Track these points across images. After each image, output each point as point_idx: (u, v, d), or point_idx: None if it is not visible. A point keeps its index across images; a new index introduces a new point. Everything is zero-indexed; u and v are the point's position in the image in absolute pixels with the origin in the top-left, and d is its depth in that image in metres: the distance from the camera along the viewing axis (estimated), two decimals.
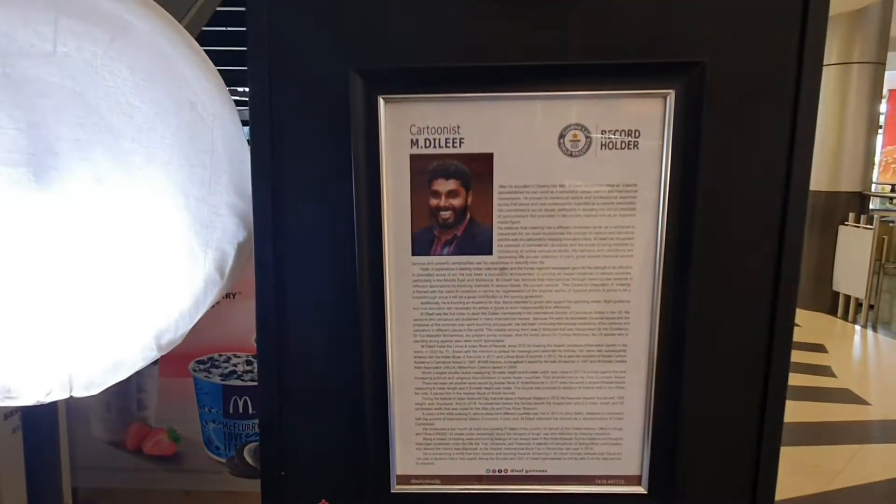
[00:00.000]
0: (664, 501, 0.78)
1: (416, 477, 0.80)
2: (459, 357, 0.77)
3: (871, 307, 6.46)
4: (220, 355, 2.46)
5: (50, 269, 0.72)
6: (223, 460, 2.57)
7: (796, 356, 5.45)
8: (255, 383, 2.57)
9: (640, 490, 0.79)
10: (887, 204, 9.26)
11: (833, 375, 4.88)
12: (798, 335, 6.21)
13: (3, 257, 0.71)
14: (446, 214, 0.73)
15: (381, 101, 0.71)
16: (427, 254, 0.74)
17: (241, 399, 2.53)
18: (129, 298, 0.75)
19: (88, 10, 0.72)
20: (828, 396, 4.46)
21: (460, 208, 0.73)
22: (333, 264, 0.75)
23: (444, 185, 0.73)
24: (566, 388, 0.77)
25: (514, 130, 0.71)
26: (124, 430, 2.51)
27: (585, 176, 0.72)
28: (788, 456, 3.52)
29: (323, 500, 0.80)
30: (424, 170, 0.72)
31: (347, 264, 0.74)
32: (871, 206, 7.40)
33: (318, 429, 0.79)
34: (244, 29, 0.72)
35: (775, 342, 0.75)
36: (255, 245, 0.76)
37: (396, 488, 0.79)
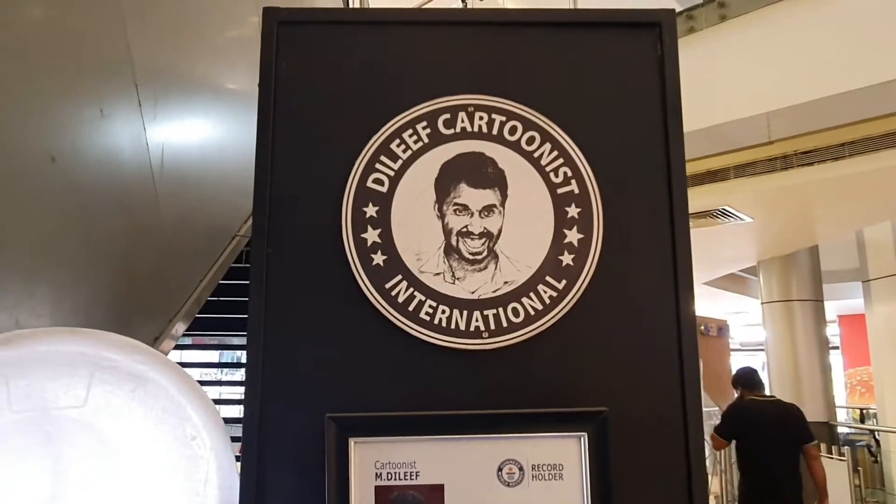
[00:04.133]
0: None
1: None
2: None
3: None
4: None
5: None
6: None
7: None
8: None
9: None
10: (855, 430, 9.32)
11: None
12: None
13: None
14: None
15: (351, 443, 0.87)
16: None
17: None
18: None
19: (118, 372, 0.90)
20: None
21: None
22: None
23: None
24: None
25: (460, 465, 0.87)
26: None
27: (521, 503, 0.87)
28: None
29: None
30: (387, 498, 0.86)
31: None
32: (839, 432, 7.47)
33: None
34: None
35: None
36: None
37: None
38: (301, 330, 0.93)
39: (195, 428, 0.94)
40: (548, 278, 0.93)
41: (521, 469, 0.87)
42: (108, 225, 1.55)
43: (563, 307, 0.92)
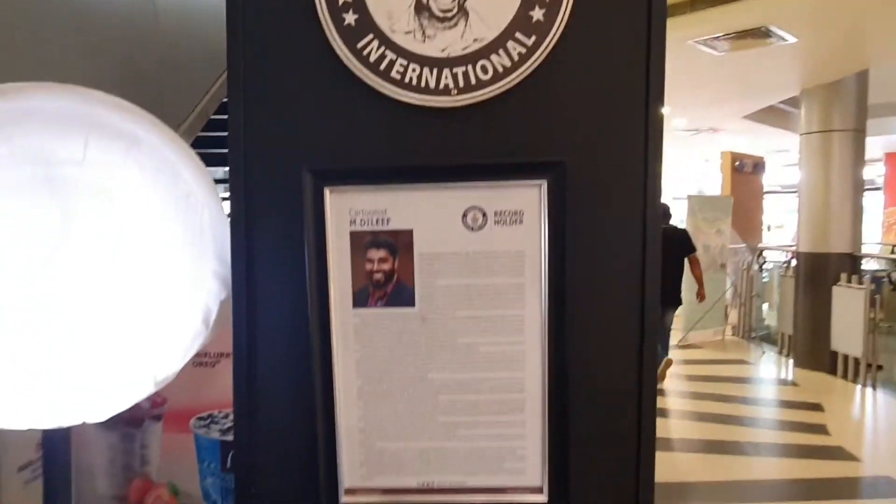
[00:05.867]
0: None
1: (361, 489, 0.98)
2: (392, 390, 0.97)
3: (868, 366, 6.50)
4: (220, 412, 2.63)
5: (75, 315, 0.94)
6: None
7: (792, 415, 5.51)
8: None
9: (542, 499, 0.97)
10: (885, 265, 9.35)
11: (827, 433, 4.93)
12: (795, 395, 6.27)
13: (35, 302, 0.92)
14: (378, 276, 0.95)
15: (326, 192, 0.94)
16: (364, 306, 0.95)
17: None
18: (134, 342, 0.96)
19: (112, 130, 0.96)
20: (820, 454, 4.51)
21: (389, 271, 0.95)
22: (292, 316, 0.96)
23: (375, 254, 0.95)
24: (478, 415, 0.96)
25: (428, 212, 0.94)
26: (127, 486, 2.66)
27: (484, 245, 0.94)
28: None
29: None
30: (361, 243, 0.95)
31: (303, 316, 0.95)
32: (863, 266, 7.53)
33: (280, 450, 0.99)
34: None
35: (643, 370, 0.95)
36: (233, 302, 0.97)
37: (344, 499, 0.98)
38: (277, 93, 0.97)
39: (188, 185, 1.02)
40: (517, 35, 0.93)
41: (484, 215, 0.94)
42: (106, 32, 1.56)
43: (532, 64, 0.93)
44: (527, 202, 0.93)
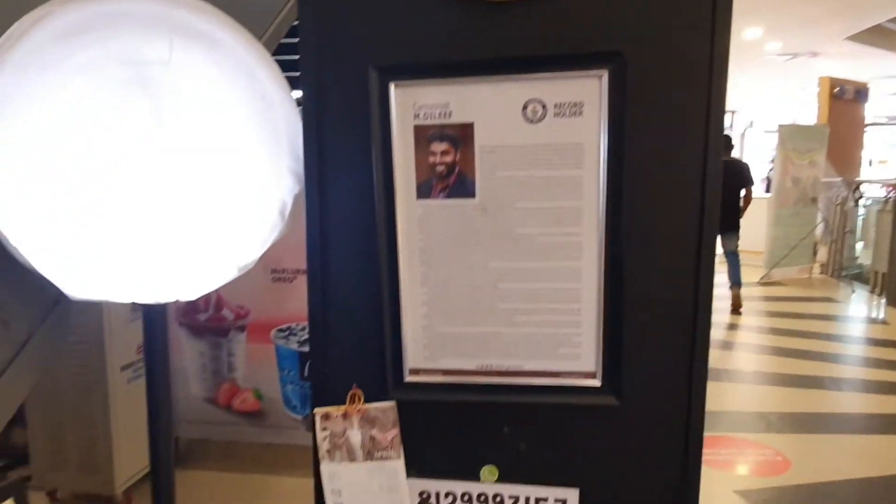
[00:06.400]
0: (614, 392, 1.00)
1: (424, 370, 1.06)
2: (454, 277, 1.02)
3: None
4: (297, 325, 2.83)
5: (167, 205, 1.03)
6: (299, 418, 2.93)
7: (881, 353, 5.29)
8: None
9: (595, 383, 1.01)
10: None
11: None
12: (885, 333, 5.99)
13: (131, 191, 1.02)
14: (440, 168, 0.99)
15: (391, 87, 0.98)
16: (428, 198, 1.00)
17: None
18: (218, 231, 1.05)
19: (192, 31, 1.03)
20: None
21: (451, 164, 0.99)
22: (360, 208, 1.02)
23: (438, 147, 0.99)
24: (535, 302, 1.01)
25: (489, 105, 0.96)
26: (217, 389, 2.94)
27: (543, 137, 0.96)
28: (855, 443, 3.51)
29: (354, 386, 1.07)
30: (424, 136, 0.99)
31: (370, 208, 1.01)
32: None
33: (350, 333, 1.07)
34: None
35: (701, 266, 0.96)
36: (306, 196, 1.04)
37: (409, 378, 1.06)
38: None
39: (264, 86, 1.08)
40: None
41: (543, 107, 0.95)
42: None
43: None
44: (586, 94, 0.94)
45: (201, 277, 1.06)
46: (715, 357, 4.90)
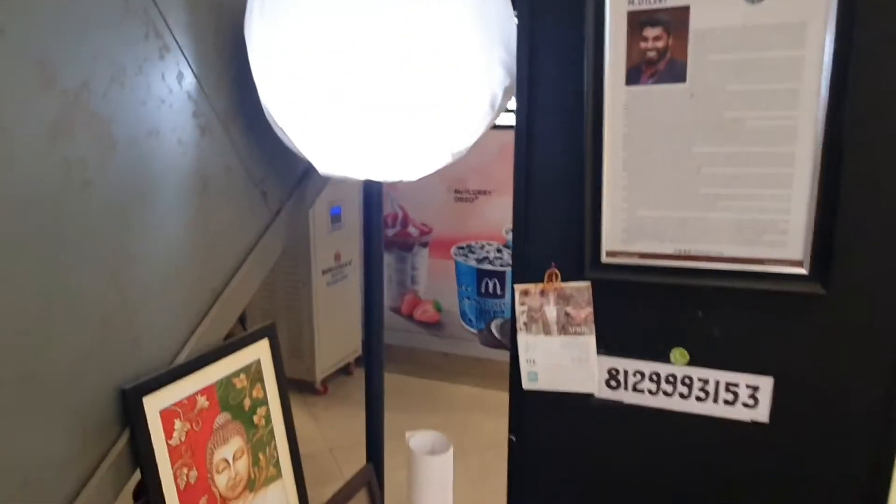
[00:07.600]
0: (821, 281, 0.99)
1: (621, 252, 1.11)
2: (655, 162, 1.05)
3: None
4: (477, 243, 3.00)
5: (389, 93, 1.15)
6: (475, 331, 3.14)
7: None
8: (503, 268, 3.05)
9: (802, 271, 1.00)
10: None
11: None
12: None
13: (355, 77, 1.15)
14: (651, 54, 1.02)
15: None
16: (636, 84, 1.04)
17: (491, 281, 3.06)
18: (434, 119, 1.17)
19: None
20: None
21: (662, 49, 1.01)
22: (569, 95, 1.08)
23: (651, 32, 1.01)
24: (740, 188, 1.01)
25: None
26: (401, 299, 3.21)
27: (764, 17, 0.95)
28: None
29: (553, 265, 1.16)
30: (637, 21, 1.01)
31: (578, 94, 1.07)
32: None
33: (551, 215, 1.15)
34: None
35: None
36: (517, 87, 1.12)
37: (605, 259, 1.12)
38: None
39: None
40: None
41: None
42: None
43: None
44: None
45: (420, 161, 1.19)
46: None
